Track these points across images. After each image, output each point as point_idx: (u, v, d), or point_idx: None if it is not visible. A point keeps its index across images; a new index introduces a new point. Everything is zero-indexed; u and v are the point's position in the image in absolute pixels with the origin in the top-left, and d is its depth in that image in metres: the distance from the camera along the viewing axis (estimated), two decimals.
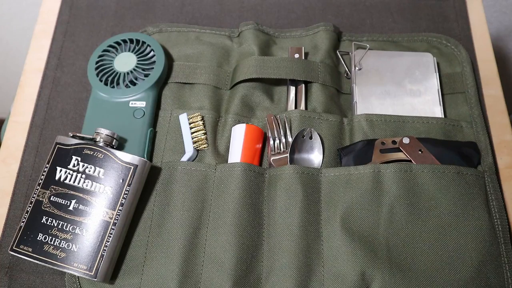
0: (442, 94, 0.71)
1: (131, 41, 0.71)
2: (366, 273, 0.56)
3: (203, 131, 0.65)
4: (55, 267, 0.55)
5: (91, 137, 0.61)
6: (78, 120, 0.70)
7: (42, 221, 0.57)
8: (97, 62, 0.70)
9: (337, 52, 0.74)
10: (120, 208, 0.57)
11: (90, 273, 0.55)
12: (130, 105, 0.67)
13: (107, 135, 0.61)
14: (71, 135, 0.61)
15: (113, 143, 0.61)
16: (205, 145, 0.65)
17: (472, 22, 0.80)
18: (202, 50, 0.74)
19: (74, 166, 0.59)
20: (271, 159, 0.64)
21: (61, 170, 0.59)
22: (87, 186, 0.58)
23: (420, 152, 0.63)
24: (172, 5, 0.81)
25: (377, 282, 0.55)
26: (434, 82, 0.70)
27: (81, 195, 0.57)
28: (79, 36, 0.78)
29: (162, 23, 0.78)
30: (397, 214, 0.59)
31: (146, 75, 0.68)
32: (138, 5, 0.81)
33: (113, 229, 0.56)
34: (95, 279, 0.55)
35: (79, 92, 0.73)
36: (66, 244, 0.56)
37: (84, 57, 0.75)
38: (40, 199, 0.58)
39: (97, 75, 0.69)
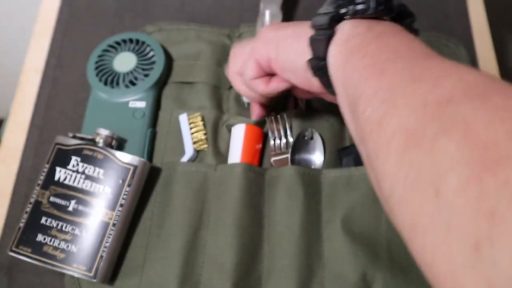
0: None
1: (131, 41, 0.71)
2: (367, 274, 0.55)
3: (203, 132, 0.65)
4: (55, 268, 0.55)
5: (91, 137, 0.61)
6: (77, 120, 0.70)
7: (42, 222, 0.57)
8: (96, 62, 0.70)
9: None
10: (120, 209, 0.57)
11: (90, 274, 0.55)
12: (130, 105, 0.66)
13: (106, 135, 0.60)
14: (71, 135, 0.61)
15: (113, 144, 0.61)
16: (205, 146, 0.65)
17: (472, 21, 0.80)
18: (201, 48, 0.73)
19: (73, 166, 0.58)
20: (272, 160, 0.64)
21: (60, 171, 0.58)
22: (86, 186, 0.57)
23: None
24: (172, 5, 0.81)
25: (378, 283, 0.55)
26: None
27: (80, 195, 0.57)
28: (78, 35, 0.78)
29: (161, 22, 0.77)
30: None
31: (146, 75, 0.68)
32: (138, 4, 0.81)
33: (113, 230, 0.56)
34: (95, 280, 0.55)
35: (78, 92, 0.72)
36: (66, 245, 0.56)
37: (84, 57, 0.75)
38: (40, 199, 0.58)
39: (97, 75, 0.68)
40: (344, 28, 0.43)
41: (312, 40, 0.45)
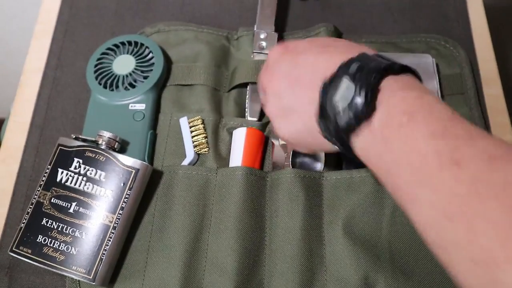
0: (442, 96, 0.71)
1: (130, 43, 0.71)
2: (369, 277, 0.55)
3: (204, 135, 0.65)
4: (54, 270, 0.55)
5: (93, 139, 0.61)
6: (78, 121, 0.70)
7: (42, 223, 0.57)
8: (95, 65, 0.69)
9: None
10: (121, 212, 0.57)
11: (89, 277, 0.55)
12: (130, 107, 0.66)
13: (109, 138, 0.60)
14: (74, 136, 0.61)
15: (115, 146, 0.61)
16: (206, 149, 0.65)
17: (472, 21, 0.80)
18: (200, 49, 0.73)
19: (75, 168, 0.58)
20: (273, 163, 0.64)
21: (62, 172, 0.58)
22: (88, 189, 0.57)
23: None
24: (172, 5, 0.81)
25: (380, 286, 0.55)
26: (434, 84, 0.70)
27: (81, 197, 0.57)
28: (79, 36, 0.78)
29: (159, 23, 0.77)
30: (400, 217, 0.58)
31: (145, 77, 0.68)
32: (138, 4, 0.81)
33: (113, 233, 0.56)
34: (94, 283, 0.55)
35: (79, 93, 0.73)
36: (66, 246, 0.56)
37: (84, 57, 0.75)
38: (41, 200, 0.58)
39: (96, 78, 0.68)
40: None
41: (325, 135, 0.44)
